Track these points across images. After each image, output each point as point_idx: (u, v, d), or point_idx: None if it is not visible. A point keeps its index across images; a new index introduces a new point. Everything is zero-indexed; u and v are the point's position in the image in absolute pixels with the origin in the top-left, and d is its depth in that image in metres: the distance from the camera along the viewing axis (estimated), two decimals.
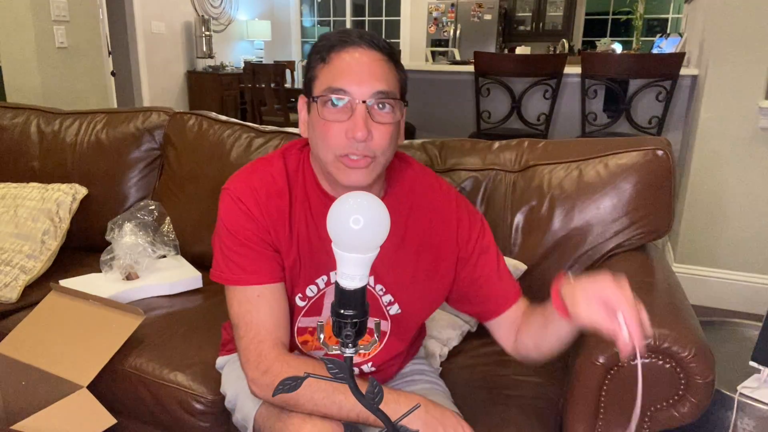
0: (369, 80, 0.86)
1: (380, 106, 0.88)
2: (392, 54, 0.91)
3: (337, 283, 0.66)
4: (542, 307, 0.95)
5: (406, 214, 1.00)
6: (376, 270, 0.97)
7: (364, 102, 0.86)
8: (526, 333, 1.00)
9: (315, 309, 1.02)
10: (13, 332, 1.38)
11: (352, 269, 0.64)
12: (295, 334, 1.03)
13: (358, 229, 0.62)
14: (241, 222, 0.95)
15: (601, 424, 1.04)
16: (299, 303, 1.00)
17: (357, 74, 0.86)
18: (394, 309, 1.02)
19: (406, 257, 1.00)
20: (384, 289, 1.00)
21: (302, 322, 1.03)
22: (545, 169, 1.47)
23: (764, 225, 2.48)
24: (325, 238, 0.86)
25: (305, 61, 0.93)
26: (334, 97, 0.86)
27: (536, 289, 1.42)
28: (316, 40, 0.97)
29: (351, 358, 0.66)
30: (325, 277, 0.99)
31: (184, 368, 1.29)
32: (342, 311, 0.65)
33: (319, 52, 0.90)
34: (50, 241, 1.73)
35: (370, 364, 1.05)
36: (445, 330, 1.36)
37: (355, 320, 0.65)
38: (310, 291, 1.00)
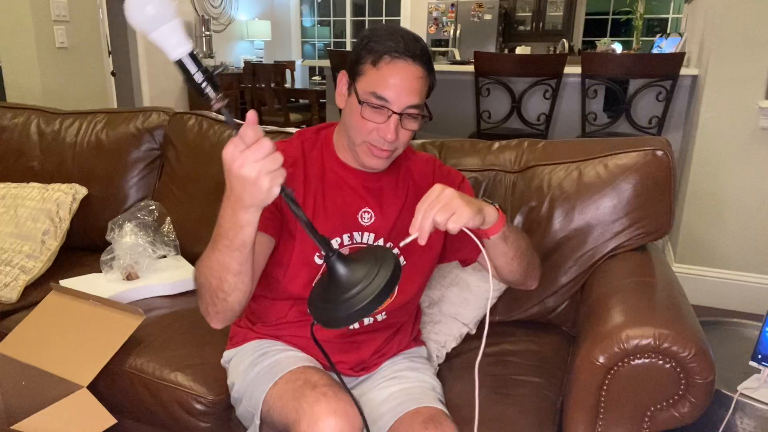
0: (407, 95, 1.01)
1: (410, 116, 1.03)
2: (430, 66, 1.05)
3: (179, 61, 0.77)
4: None
5: (406, 183, 1.18)
6: (385, 232, 1.15)
7: (399, 114, 1.01)
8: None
9: None
10: (13, 332, 1.38)
11: (175, 38, 0.75)
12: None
13: (152, 14, 0.73)
14: None
15: (601, 424, 1.04)
16: (317, 261, 1.12)
17: (399, 88, 1.00)
18: (401, 261, 1.16)
19: (406, 216, 1.15)
20: (391, 245, 1.15)
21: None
22: (545, 169, 1.47)
23: (764, 225, 2.48)
24: (340, 203, 1.10)
25: (354, 44, 1.08)
26: (375, 102, 1.01)
27: (536, 290, 1.42)
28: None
29: (222, 110, 0.79)
30: (339, 239, 1.12)
31: (184, 368, 1.29)
32: (194, 75, 0.77)
33: (372, 52, 1.01)
34: (50, 241, 1.73)
35: (384, 313, 1.17)
36: (443, 333, 1.36)
37: (206, 75, 0.77)
38: None
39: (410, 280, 1.18)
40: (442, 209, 0.91)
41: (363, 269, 0.87)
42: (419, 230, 0.91)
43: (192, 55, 0.77)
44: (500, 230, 1.02)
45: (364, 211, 1.14)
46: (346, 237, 1.13)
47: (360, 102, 1.02)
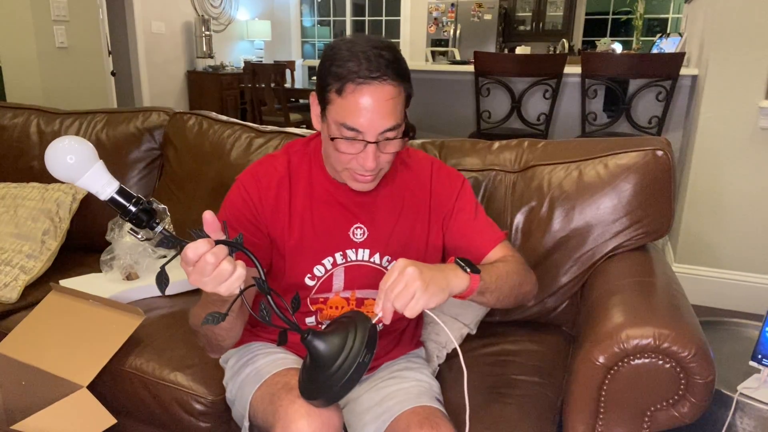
0: (380, 120, 0.94)
1: (388, 139, 0.97)
2: (402, 76, 0.95)
3: (111, 199, 0.82)
4: None
5: (402, 192, 1.14)
6: (381, 247, 1.12)
7: (375, 142, 0.95)
8: None
9: (325, 288, 1.12)
10: (13, 332, 1.38)
11: (102, 180, 0.81)
12: (309, 304, 1.14)
13: (73, 162, 0.80)
14: (239, 206, 1.07)
15: (601, 424, 1.04)
16: (309, 282, 1.11)
17: (370, 115, 0.93)
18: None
19: (403, 226, 1.14)
20: (389, 259, 1.13)
21: (314, 296, 1.13)
22: (545, 169, 1.47)
23: (764, 225, 2.48)
24: (330, 221, 1.07)
25: (318, 64, 1.00)
26: (347, 134, 0.95)
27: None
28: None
29: (162, 232, 0.83)
30: (331, 258, 1.11)
31: (184, 368, 1.29)
32: (129, 209, 0.82)
33: (336, 79, 0.93)
34: (50, 241, 1.73)
35: (380, 325, 1.14)
36: (444, 333, 1.36)
37: (140, 206, 0.82)
38: (318, 271, 1.11)
39: None
40: (400, 294, 0.85)
41: (340, 338, 0.89)
42: (383, 312, 0.87)
43: (121, 191, 0.82)
44: (473, 292, 0.96)
45: (356, 227, 1.11)
46: (338, 256, 1.11)
47: (331, 138, 0.97)
